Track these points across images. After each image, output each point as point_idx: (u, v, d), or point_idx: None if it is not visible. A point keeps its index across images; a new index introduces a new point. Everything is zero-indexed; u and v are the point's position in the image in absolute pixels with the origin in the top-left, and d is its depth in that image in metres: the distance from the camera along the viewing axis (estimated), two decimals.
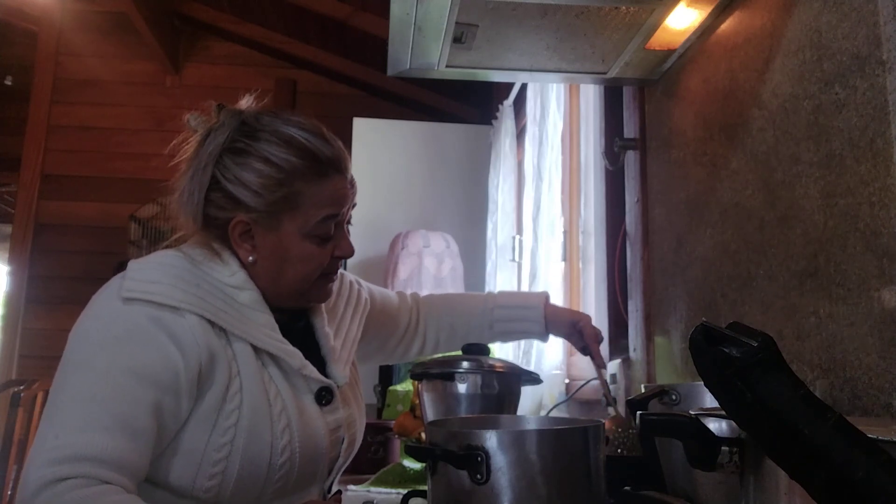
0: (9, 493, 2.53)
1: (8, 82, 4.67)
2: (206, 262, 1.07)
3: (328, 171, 1.08)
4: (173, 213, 1.12)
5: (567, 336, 1.45)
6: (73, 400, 0.93)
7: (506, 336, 1.47)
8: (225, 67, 4.54)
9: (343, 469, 1.19)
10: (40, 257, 4.23)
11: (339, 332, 1.23)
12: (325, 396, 1.11)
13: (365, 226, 3.50)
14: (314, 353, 1.15)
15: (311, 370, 1.09)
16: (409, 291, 1.52)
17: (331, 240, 1.11)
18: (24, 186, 4.29)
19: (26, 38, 4.54)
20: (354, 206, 1.15)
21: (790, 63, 1.08)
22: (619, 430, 1.18)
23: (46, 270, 4.21)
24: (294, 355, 1.08)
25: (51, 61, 4.44)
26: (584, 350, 1.42)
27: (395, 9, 1.24)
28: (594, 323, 1.44)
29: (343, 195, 1.10)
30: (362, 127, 3.62)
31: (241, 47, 4.54)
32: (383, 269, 3.18)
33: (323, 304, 1.21)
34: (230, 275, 1.07)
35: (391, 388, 2.35)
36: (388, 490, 1.49)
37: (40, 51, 4.44)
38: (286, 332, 1.09)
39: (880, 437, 0.48)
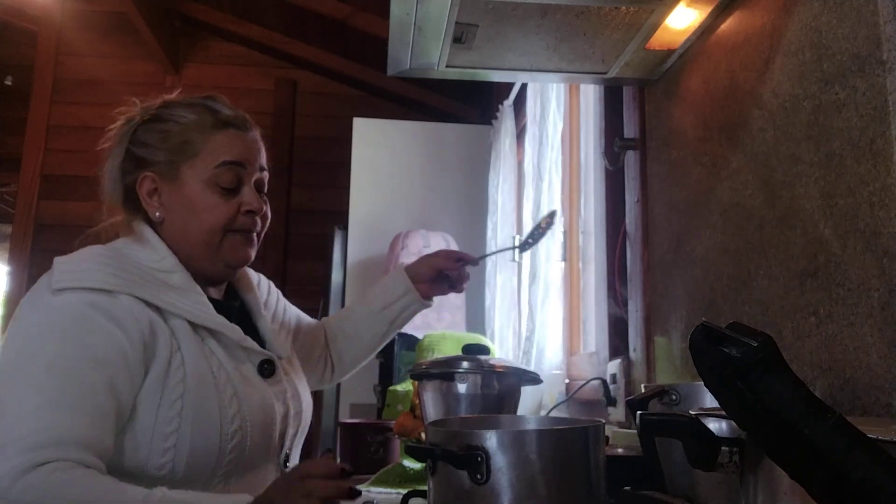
0: None
1: (8, 82, 4.67)
2: (133, 251, 1.10)
3: (225, 125, 1.14)
4: (102, 198, 1.19)
5: (431, 272, 1.49)
6: (26, 393, 0.93)
7: (396, 317, 1.47)
8: (225, 67, 4.54)
9: (297, 442, 1.20)
10: (40, 257, 4.22)
11: (275, 317, 1.31)
12: (267, 369, 1.15)
13: (365, 226, 3.50)
14: (252, 333, 1.19)
15: (252, 343, 1.13)
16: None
17: (236, 195, 1.14)
18: (24, 186, 4.29)
19: (26, 38, 4.54)
20: (264, 170, 1.19)
21: (790, 63, 1.08)
22: None
23: (46, 270, 4.19)
24: (233, 329, 1.11)
25: (51, 61, 4.43)
26: (450, 277, 1.50)
27: (395, 9, 1.24)
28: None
29: (244, 147, 1.15)
30: (362, 127, 3.62)
31: (241, 47, 4.53)
32: (383, 269, 3.17)
33: (256, 290, 1.27)
34: (159, 259, 1.10)
35: (391, 388, 2.34)
36: (388, 490, 1.49)
37: (40, 51, 4.44)
38: (222, 312, 1.13)
39: (880, 437, 0.48)
